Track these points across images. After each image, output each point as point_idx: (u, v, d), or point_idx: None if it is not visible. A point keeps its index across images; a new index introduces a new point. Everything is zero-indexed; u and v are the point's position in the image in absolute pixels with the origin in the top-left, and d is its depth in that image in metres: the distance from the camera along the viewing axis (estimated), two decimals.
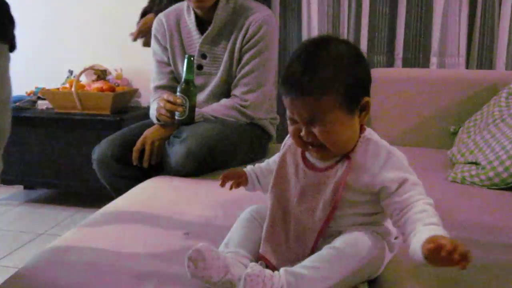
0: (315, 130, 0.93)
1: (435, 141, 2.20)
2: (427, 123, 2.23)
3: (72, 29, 1.79)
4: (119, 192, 1.63)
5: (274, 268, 0.96)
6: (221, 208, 1.41)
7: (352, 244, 0.91)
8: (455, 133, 2.10)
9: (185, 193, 1.58)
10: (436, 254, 0.78)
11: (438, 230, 0.85)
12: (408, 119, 2.27)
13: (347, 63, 0.93)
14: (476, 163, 1.69)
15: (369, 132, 1.00)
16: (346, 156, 0.96)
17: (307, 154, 1.01)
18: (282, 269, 0.89)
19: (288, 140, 1.06)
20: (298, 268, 0.89)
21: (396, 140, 2.24)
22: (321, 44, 0.94)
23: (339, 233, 0.95)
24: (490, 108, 1.93)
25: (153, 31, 2.06)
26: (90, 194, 2.80)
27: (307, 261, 0.90)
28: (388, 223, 1.03)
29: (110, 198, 1.56)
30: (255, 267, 0.87)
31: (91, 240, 1.20)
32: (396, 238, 1.04)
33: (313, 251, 0.95)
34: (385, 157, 0.95)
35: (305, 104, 0.91)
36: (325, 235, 0.96)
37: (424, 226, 0.87)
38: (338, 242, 0.91)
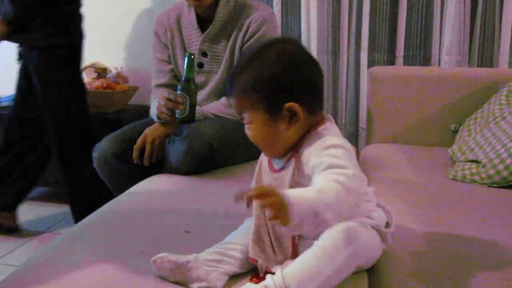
0: (246, 128, 0.99)
1: (436, 139, 2.19)
2: (428, 121, 2.23)
3: None
4: (120, 189, 1.63)
5: (267, 270, 0.98)
6: (221, 207, 1.41)
7: (334, 236, 0.90)
8: (455, 131, 2.10)
9: (186, 192, 1.58)
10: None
11: (304, 192, 0.84)
12: (408, 117, 2.26)
13: (275, 68, 0.94)
14: (476, 161, 1.69)
15: (324, 127, 0.97)
16: (294, 153, 0.96)
17: None
18: (269, 277, 0.89)
19: None
20: (287, 270, 0.89)
21: (396, 138, 2.25)
22: (263, 47, 0.98)
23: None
24: (491, 106, 1.93)
25: (154, 29, 2.05)
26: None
27: (296, 262, 0.90)
28: (376, 212, 1.03)
29: (111, 196, 1.56)
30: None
31: (91, 238, 1.20)
32: (387, 227, 1.04)
33: (294, 252, 0.96)
34: (318, 145, 0.93)
35: (234, 102, 0.98)
36: (300, 235, 0.97)
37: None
38: (322, 237, 0.91)
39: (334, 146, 0.91)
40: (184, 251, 0.99)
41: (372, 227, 0.99)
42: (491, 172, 1.60)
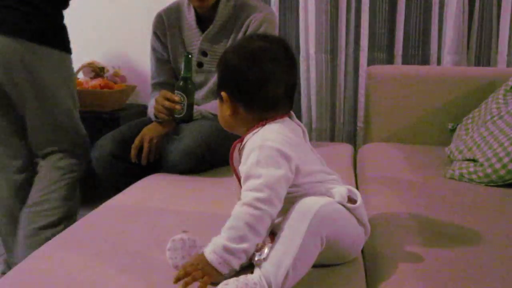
0: None
1: (433, 138, 2.20)
2: (426, 120, 2.24)
3: (70, 26, 1.80)
4: (117, 189, 1.63)
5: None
6: (219, 205, 1.41)
7: (294, 209, 0.93)
8: (453, 130, 2.10)
9: (183, 191, 1.58)
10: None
11: (216, 237, 0.93)
12: (406, 116, 2.27)
13: (232, 58, 1.03)
14: (474, 160, 1.70)
15: (272, 122, 1.01)
16: (234, 144, 1.05)
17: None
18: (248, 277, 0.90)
19: None
20: (264, 267, 0.91)
21: (394, 137, 2.25)
22: (249, 38, 1.14)
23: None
24: (488, 105, 1.93)
25: (153, 28, 2.05)
26: (88, 191, 2.79)
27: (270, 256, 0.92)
28: (334, 189, 1.03)
29: (108, 195, 1.56)
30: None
31: (90, 237, 1.20)
32: (352, 203, 1.02)
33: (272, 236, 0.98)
34: (248, 147, 0.98)
35: None
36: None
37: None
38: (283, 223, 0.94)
39: (253, 149, 0.96)
40: None
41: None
42: (489, 171, 1.61)
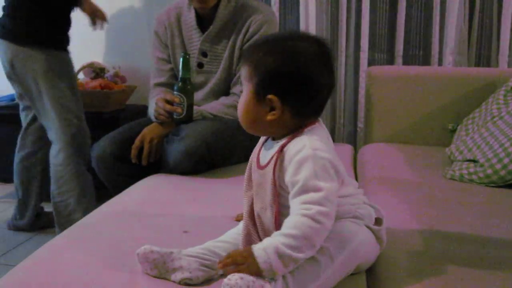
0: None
1: (434, 138, 2.20)
2: (426, 120, 2.23)
3: (70, 27, 1.80)
4: (118, 189, 1.63)
5: None
6: (219, 206, 1.41)
7: (332, 237, 0.91)
8: (453, 131, 2.10)
9: (184, 191, 1.58)
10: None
11: (269, 238, 0.89)
12: (407, 116, 2.27)
13: (282, 60, 0.95)
14: (474, 161, 1.70)
15: (309, 129, 0.98)
16: (278, 150, 0.96)
17: (261, 153, 1.03)
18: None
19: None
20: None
21: (394, 138, 2.25)
22: (294, 35, 1.00)
23: None
24: (489, 106, 1.93)
25: (154, 28, 2.05)
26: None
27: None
28: (363, 210, 1.03)
29: (109, 195, 1.56)
30: (232, 277, 0.86)
31: (90, 238, 1.20)
32: (378, 224, 1.03)
33: None
34: (296, 154, 0.93)
35: (242, 65, 1.00)
36: None
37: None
38: None
39: (307, 159, 0.91)
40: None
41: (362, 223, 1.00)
42: (489, 171, 1.61)
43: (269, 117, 0.96)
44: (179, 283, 0.95)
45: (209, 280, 0.97)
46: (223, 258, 0.90)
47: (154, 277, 0.97)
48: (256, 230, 1.01)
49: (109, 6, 2.95)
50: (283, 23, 2.71)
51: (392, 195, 1.52)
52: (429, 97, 2.24)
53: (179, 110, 1.76)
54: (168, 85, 2.00)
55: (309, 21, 2.64)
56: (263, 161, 1.00)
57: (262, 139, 1.06)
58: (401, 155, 2.02)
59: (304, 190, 0.89)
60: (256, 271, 0.85)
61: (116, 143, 1.83)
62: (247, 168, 1.06)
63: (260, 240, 1.00)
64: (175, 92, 1.77)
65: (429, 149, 2.10)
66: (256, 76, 0.95)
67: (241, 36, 1.92)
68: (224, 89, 1.97)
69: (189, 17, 1.97)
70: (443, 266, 1.05)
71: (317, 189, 0.89)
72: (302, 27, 2.65)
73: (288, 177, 0.93)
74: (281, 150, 0.95)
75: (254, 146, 1.97)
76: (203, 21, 1.97)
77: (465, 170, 1.68)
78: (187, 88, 1.76)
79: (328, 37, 2.67)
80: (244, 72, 0.98)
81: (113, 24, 2.95)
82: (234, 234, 1.05)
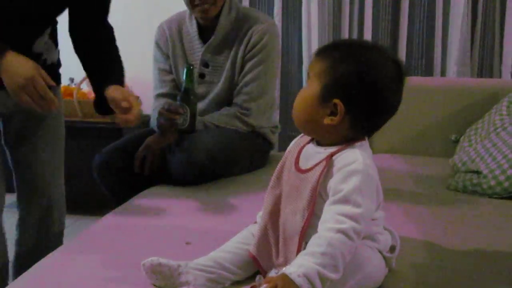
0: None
1: (437, 149, 2.20)
2: (429, 131, 2.23)
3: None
4: (120, 199, 1.63)
5: (263, 271, 0.99)
6: (222, 217, 1.41)
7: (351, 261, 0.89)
8: (456, 141, 2.10)
9: (186, 202, 1.57)
10: None
11: (303, 259, 0.85)
12: (409, 127, 2.27)
13: (361, 70, 0.93)
14: (477, 172, 1.69)
15: (360, 144, 0.97)
16: (327, 157, 0.94)
17: (301, 155, 1.01)
18: None
19: (291, 145, 1.07)
20: None
21: (397, 148, 2.25)
22: (379, 48, 1.00)
23: None
24: (491, 117, 1.93)
25: (155, 39, 2.06)
26: (91, 202, 2.79)
27: None
28: (382, 235, 1.03)
29: (112, 206, 1.56)
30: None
31: (92, 250, 1.20)
32: (392, 251, 1.03)
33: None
34: (347, 164, 0.92)
35: (315, 58, 0.97)
36: (304, 240, 0.94)
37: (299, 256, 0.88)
38: None
39: (357, 172, 0.90)
40: (178, 259, 0.98)
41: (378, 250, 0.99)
42: (492, 183, 1.60)
43: (327, 121, 0.94)
44: None
45: None
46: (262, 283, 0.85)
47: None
48: (275, 232, 1.00)
49: (111, 18, 2.96)
50: (286, 32, 2.72)
51: (396, 207, 1.51)
52: (432, 107, 2.24)
53: (181, 119, 1.76)
54: (171, 96, 2.00)
55: (312, 31, 2.65)
56: (305, 165, 0.98)
57: (299, 139, 1.05)
58: (403, 166, 2.02)
59: (345, 201, 0.88)
60: None
61: (119, 153, 1.83)
62: (279, 166, 1.04)
63: (276, 243, 0.99)
64: (178, 103, 1.77)
65: (432, 160, 2.10)
66: (328, 76, 0.93)
67: (242, 47, 1.92)
68: (226, 99, 1.97)
69: (191, 28, 1.97)
70: (448, 279, 1.05)
71: (357, 204, 0.88)
72: (304, 36, 2.66)
73: (332, 183, 0.91)
74: (330, 158, 0.94)
75: (257, 156, 1.99)
76: (205, 32, 1.97)
77: (468, 181, 1.68)
78: (190, 98, 1.77)
79: None
80: (316, 66, 0.95)
81: (116, 34, 2.97)
82: (238, 243, 1.04)
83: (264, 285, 0.82)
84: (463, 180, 1.70)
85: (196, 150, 1.68)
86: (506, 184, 1.58)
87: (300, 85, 2.76)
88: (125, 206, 1.53)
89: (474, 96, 2.19)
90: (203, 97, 1.99)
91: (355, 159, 0.92)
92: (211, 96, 1.98)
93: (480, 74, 2.58)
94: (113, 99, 1.42)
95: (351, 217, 0.86)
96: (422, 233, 1.29)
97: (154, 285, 0.97)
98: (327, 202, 0.91)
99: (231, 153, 1.78)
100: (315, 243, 0.86)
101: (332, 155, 0.94)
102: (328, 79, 0.93)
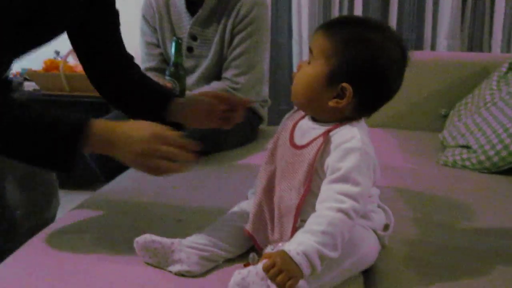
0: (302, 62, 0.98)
1: (427, 123, 2.20)
2: (418, 105, 2.23)
3: None
4: (109, 175, 1.61)
5: (259, 248, 0.99)
6: (213, 193, 1.40)
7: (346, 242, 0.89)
8: (446, 116, 2.10)
9: (176, 179, 1.55)
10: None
11: (303, 237, 0.84)
12: (399, 101, 2.21)
13: (372, 54, 0.91)
14: (467, 147, 1.70)
15: (359, 123, 0.96)
16: (324, 134, 0.93)
17: (295, 131, 1.00)
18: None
19: (284, 119, 1.05)
20: None
21: (387, 123, 2.24)
22: (390, 29, 0.96)
23: None
24: (481, 91, 1.93)
25: (142, 12, 2.02)
26: (80, 177, 2.77)
27: None
28: (376, 214, 1.03)
29: (101, 181, 1.54)
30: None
31: (82, 226, 1.19)
32: (386, 229, 1.04)
33: (293, 234, 0.92)
34: (344, 141, 0.91)
35: (319, 35, 0.94)
36: (299, 216, 0.94)
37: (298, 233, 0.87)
38: None
39: (355, 150, 0.89)
40: (171, 235, 0.98)
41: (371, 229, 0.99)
42: (482, 158, 1.61)
43: (332, 103, 0.92)
44: (176, 274, 0.94)
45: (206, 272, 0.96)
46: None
47: (151, 265, 0.96)
48: (270, 208, 0.99)
49: None
50: (275, 5, 2.69)
51: (386, 183, 1.50)
52: (422, 82, 2.23)
53: None
54: (159, 70, 1.98)
55: (302, 3, 2.62)
56: (300, 141, 0.97)
57: (292, 114, 1.03)
58: (394, 140, 2.02)
59: (344, 180, 0.88)
60: (300, 277, 0.82)
61: None
62: (273, 141, 1.03)
63: (271, 219, 0.98)
64: (167, 77, 1.75)
65: (422, 134, 2.11)
66: (337, 58, 0.91)
67: (231, 19, 1.89)
68: (216, 73, 1.95)
69: (178, 0, 1.93)
70: (440, 255, 1.06)
71: (356, 183, 0.87)
72: (295, 10, 2.63)
73: (330, 161, 0.90)
74: (327, 134, 0.93)
75: (247, 131, 1.97)
76: (192, 4, 1.93)
77: (458, 156, 1.68)
78: (180, 73, 1.74)
79: (321, 20, 2.65)
80: (322, 43, 0.92)
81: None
82: (231, 221, 1.03)
83: (264, 261, 0.82)
84: (453, 155, 1.70)
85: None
86: (495, 159, 1.58)
87: (290, 58, 2.74)
88: (113, 183, 1.52)
89: (464, 70, 2.18)
90: (191, 71, 1.96)
91: (352, 136, 0.91)
92: (200, 70, 1.96)
93: (470, 49, 2.58)
94: (209, 112, 1.22)
95: (350, 196, 0.86)
96: (414, 210, 1.30)
97: (147, 263, 0.97)
98: (325, 181, 0.90)
99: (221, 129, 1.76)
100: (315, 222, 0.85)
101: (328, 131, 0.93)
102: (336, 62, 0.91)
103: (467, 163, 1.64)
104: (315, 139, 0.94)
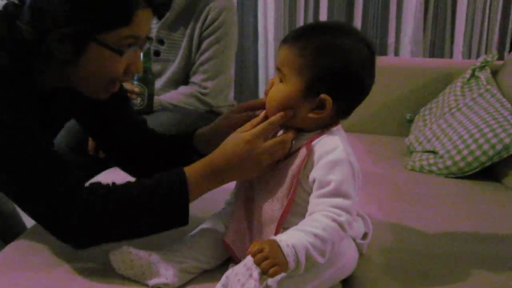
0: (273, 81, 0.96)
1: (392, 128, 2.22)
2: (383, 110, 2.25)
3: None
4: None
5: (237, 259, 0.97)
6: None
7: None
8: (411, 121, 2.13)
9: None
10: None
11: (296, 233, 0.84)
12: (364, 106, 2.24)
13: (345, 60, 0.90)
14: (433, 152, 1.73)
15: (337, 128, 0.96)
16: (307, 144, 0.93)
17: None
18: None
19: None
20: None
21: (353, 127, 2.25)
22: (356, 32, 0.96)
23: None
24: (446, 97, 1.97)
25: None
26: None
27: None
28: (356, 222, 1.03)
29: None
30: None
31: (50, 239, 1.14)
32: (364, 238, 1.04)
33: None
34: (327, 153, 0.90)
35: (287, 51, 0.93)
36: (282, 226, 0.94)
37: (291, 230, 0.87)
38: None
39: (341, 162, 0.89)
40: (148, 246, 0.96)
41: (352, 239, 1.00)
42: (449, 163, 1.64)
43: (312, 115, 0.92)
44: (153, 287, 0.92)
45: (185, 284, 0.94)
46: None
47: (128, 279, 0.94)
48: (248, 219, 0.98)
49: None
50: (241, 8, 2.68)
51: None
52: (386, 87, 2.25)
53: (139, 99, 1.70)
54: None
55: (268, 6, 2.61)
56: None
57: None
58: (361, 145, 2.03)
59: (335, 193, 0.87)
60: (285, 268, 0.81)
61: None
62: None
63: (250, 230, 0.97)
64: (135, 82, 1.71)
65: (388, 139, 2.13)
66: (311, 71, 0.90)
67: (199, 24, 1.87)
68: (183, 78, 1.92)
69: None
70: (414, 261, 1.07)
71: (348, 196, 0.87)
72: (261, 13, 2.63)
73: (317, 174, 0.89)
74: (310, 144, 0.92)
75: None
76: None
77: (425, 161, 1.71)
78: (148, 77, 1.71)
79: (286, 23, 2.65)
80: (291, 60, 0.92)
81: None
82: (208, 231, 1.01)
83: (254, 248, 0.81)
84: (420, 160, 1.73)
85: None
86: (461, 164, 1.62)
87: (255, 61, 2.73)
88: None
89: (428, 76, 2.22)
90: (158, 76, 1.93)
91: (335, 146, 0.91)
92: (167, 74, 1.93)
93: (432, 54, 2.63)
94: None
95: (344, 209, 0.86)
96: (385, 215, 1.31)
97: (123, 276, 0.94)
98: (315, 194, 0.89)
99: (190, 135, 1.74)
100: (310, 224, 0.85)
101: (311, 140, 0.93)
102: (311, 75, 0.90)
103: (434, 168, 1.67)
104: (297, 149, 0.94)
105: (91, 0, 0.90)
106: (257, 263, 0.80)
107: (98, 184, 0.95)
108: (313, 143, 0.92)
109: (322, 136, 0.93)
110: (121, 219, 0.92)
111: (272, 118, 0.93)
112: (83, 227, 0.91)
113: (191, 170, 0.95)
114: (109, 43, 0.93)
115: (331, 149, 0.90)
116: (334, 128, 0.95)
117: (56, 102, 1.07)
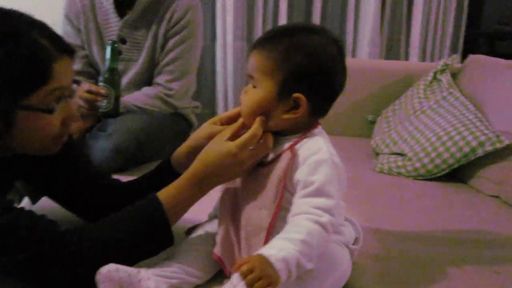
0: (247, 88, 0.96)
1: (354, 129, 2.24)
2: (345, 112, 2.26)
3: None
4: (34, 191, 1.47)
5: (227, 272, 0.95)
6: None
7: (322, 258, 0.88)
8: (373, 122, 2.15)
9: None
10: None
11: (283, 244, 0.83)
12: None
13: (314, 58, 0.91)
14: (401, 154, 1.75)
15: (319, 130, 0.97)
16: (290, 147, 0.93)
17: None
18: None
19: None
20: None
21: None
22: (322, 31, 0.96)
23: None
24: (408, 99, 2.00)
25: (65, 12, 1.88)
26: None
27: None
28: (345, 227, 1.02)
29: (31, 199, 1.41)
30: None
31: None
32: (354, 244, 1.04)
33: None
34: (312, 154, 0.91)
35: (256, 56, 0.93)
36: (273, 233, 0.91)
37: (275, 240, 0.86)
38: None
39: (324, 162, 0.89)
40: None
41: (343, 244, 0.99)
42: (417, 165, 1.67)
43: (287, 115, 0.92)
44: None
45: None
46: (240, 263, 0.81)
47: None
48: (236, 229, 0.95)
49: None
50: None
51: None
52: (347, 88, 2.27)
53: (105, 101, 1.62)
54: (83, 73, 1.86)
55: (227, 8, 2.58)
56: (266, 157, 0.95)
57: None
58: None
59: (318, 194, 0.86)
60: (277, 283, 0.79)
61: None
62: None
63: (238, 240, 0.94)
64: (100, 84, 1.63)
65: (352, 140, 2.14)
66: (282, 72, 0.90)
67: (164, 23, 1.81)
68: (147, 78, 1.86)
69: (106, 0, 1.82)
70: (395, 265, 1.08)
71: (330, 196, 0.87)
72: (219, 13, 2.59)
73: (301, 176, 0.89)
74: (293, 148, 0.91)
75: (181, 138, 1.89)
76: (121, 5, 1.82)
77: (393, 163, 1.73)
78: (115, 79, 1.64)
79: (245, 24, 2.62)
80: (262, 65, 0.92)
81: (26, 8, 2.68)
82: (196, 245, 0.98)
83: (243, 267, 0.79)
84: (388, 162, 1.75)
85: (122, 136, 1.57)
86: (430, 166, 1.65)
87: (213, 62, 2.69)
88: (42, 201, 1.39)
89: (387, 78, 2.25)
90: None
91: (319, 148, 0.91)
92: (129, 75, 1.86)
93: (388, 56, 2.67)
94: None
95: (326, 210, 0.86)
96: (358, 218, 1.30)
97: None
98: (298, 195, 0.89)
99: (159, 137, 1.69)
100: (294, 230, 0.84)
101: (295, 143, 0.92)
102: (282, 76, 0.91)
103: (402, 170, 1.70)
104: (280, 154, 0.93)
105: (3, 71, 0.85)
106: (249, 285, 0.77)
107: (72, 230, 0.91)
108: (297, 146, 0.93)
109: (306, 139, 0.93)
110: (106, 260, 0.88)
111: (254, 129, 0.92)
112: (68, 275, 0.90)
113: (164, 194, 0.94)
114: (36, 104, 0.89)
115: (315, 151, 0.91)
116: (316, 130, 0.96)
117: (3, 168, 0.99)
